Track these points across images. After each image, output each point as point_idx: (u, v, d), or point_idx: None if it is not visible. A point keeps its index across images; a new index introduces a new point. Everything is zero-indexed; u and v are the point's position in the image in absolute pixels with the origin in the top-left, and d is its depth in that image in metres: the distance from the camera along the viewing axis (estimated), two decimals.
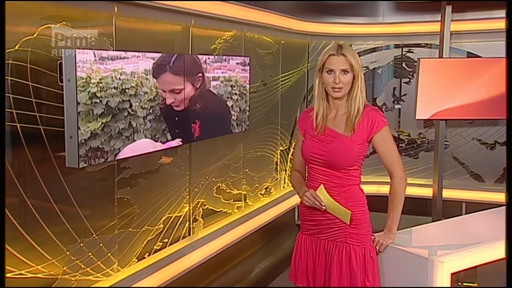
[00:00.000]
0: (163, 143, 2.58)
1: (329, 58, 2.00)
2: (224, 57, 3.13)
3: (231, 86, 3.20)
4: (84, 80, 2.03)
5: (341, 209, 1.99)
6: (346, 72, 1.99)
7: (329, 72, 2.00)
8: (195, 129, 2.84)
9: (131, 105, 2.31)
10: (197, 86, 2.80)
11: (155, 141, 2.52)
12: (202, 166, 3.28)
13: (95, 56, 2.09)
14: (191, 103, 2.77)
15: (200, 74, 2.83)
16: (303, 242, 2.14)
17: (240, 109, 3.30)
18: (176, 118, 2.66)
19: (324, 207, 1.99)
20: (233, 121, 3.25)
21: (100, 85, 2.11)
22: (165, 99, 2.55)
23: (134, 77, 2.31)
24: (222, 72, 3.10)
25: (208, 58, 2.95)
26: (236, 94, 3.26)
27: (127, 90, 2.27)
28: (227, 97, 3.17)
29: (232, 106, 3.22)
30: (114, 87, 2.19)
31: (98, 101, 2.11)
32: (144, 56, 2.38)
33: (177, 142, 2.69)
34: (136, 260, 2.70)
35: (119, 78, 2.22)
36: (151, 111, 2.45)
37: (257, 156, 4.04)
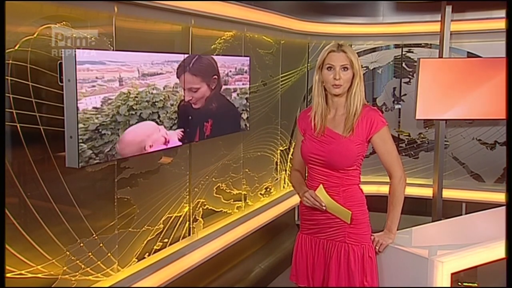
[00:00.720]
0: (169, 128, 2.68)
1: (329, 54, 2.01)
2: (245, 68, 3.26)
3: (246, 98, 3.33)
4: (125, 95, 2.28)
5: (341, 209, 2.00)
6: (346, 69, 2.00)
7: (329, 68, 2.01)
8: (207, 128, 2.92)
9: (159, 116, 2.53)
10: (212, 87, 2.92)
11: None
12: (202, 166, 3.28)
13: (139, 73, 2.34)
14: (207, 103, 2.89)
15: (215, 76, 2.93)
16: (302, 241, 2.14)
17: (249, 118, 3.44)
18: (190, 117, 2.79)
19: (324, 207, 1.99)
20: (243, 126, 3.36)
21: (136, 99, 2.36)
22: (184, 97, 2.70)
23: (164, 91, 2.54)
24: (243, 84, 3.28)
25: (230, 71, 3.11)
26: (249, 106, 3.41)
27: (156, 103, 2.49)
28: (242, 110, 3.30)
29: (247, 118, 3.36)
30: (146, 101, 2.41)
31: (134, 113, 2.35)
32: (175, 71, 2.65)
33: (179, 133, 2.73)
34: (136, 260, 2.70)
35: (151, 93, 2.44)
36: (176, 121, 2.64)
37: (257, 156, 4.04)
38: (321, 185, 2.01)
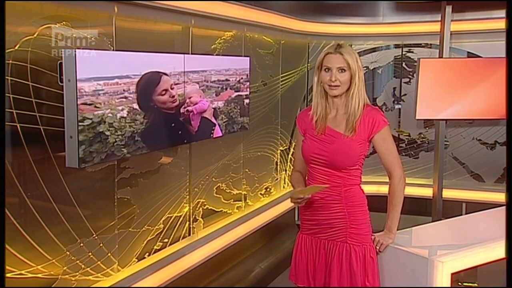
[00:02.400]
0: None
1: (326, 56, 2.02)
2: (248, 73, 3.27)
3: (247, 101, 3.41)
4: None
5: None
6: (343, 71, 2.00)
7: (326, 70, 2.01)
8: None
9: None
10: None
11: None
12: (202, 166, 3.28)
13: None
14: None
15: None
16: (303, 242, 2.14)
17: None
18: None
19: (306, 196, 1.99)
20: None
21: None
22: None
23: None
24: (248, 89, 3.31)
25: (242, 78, 3.15)
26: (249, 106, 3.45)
27: None
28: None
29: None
30: None
31: None
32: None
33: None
34: (136, 260, 2.70)
35: None
36: None
37: (257, 156, 4.04)
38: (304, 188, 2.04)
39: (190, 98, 2.75)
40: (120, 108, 2.22)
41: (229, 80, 3.12)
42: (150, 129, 2.43)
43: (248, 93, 3.32)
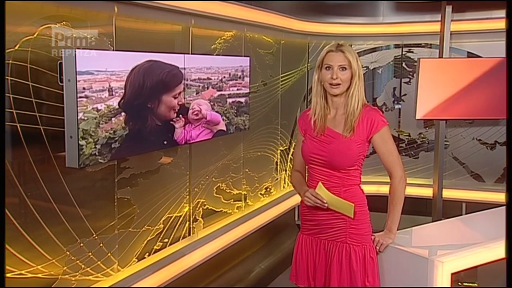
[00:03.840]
0: None
1: (327, 54, 2.02)
2: (239, 74, 3.17)
3: (245, 101, 3.32)
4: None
5: (344, 203, 1.98)
6: (344, 69, 2.00)
7: (327, 68, 2.02)
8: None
9: None
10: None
11: None
12: (202, 166, 3.28)
13: None
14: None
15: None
16: (303, 242, 2.14)
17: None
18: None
19: (326, 205, 1.99)
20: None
21: None
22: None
23: None
24: (237, 89, 3.17)
25: (224, 77, 3.01)
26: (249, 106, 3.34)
27: None
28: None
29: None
30: None
31: None
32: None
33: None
34: (136, 260, 2.69)
35: None
36: None
37: (257, 156, 4.04)
38: (320, 183, 2.01)
39: (196, 110, 2.63)
40: None
41: (211, 79, 2.94)
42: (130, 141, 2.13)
43: (231, 92, 3.19)
